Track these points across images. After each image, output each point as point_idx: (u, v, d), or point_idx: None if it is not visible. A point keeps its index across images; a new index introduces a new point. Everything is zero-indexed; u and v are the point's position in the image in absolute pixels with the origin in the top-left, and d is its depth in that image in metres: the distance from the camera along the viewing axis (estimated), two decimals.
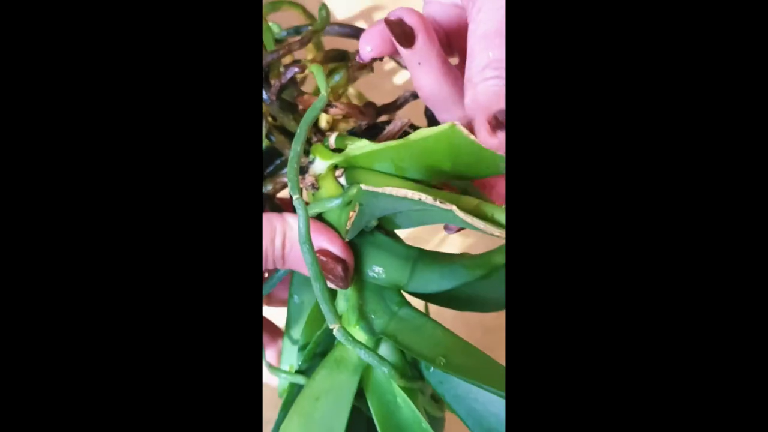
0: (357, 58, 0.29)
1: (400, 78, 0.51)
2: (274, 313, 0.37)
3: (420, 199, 0.23)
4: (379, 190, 0.23)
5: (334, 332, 0.25)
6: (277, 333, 0.35)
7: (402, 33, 0.26)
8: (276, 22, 0.36)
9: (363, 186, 0.24)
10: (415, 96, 0.34)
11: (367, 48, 0.28)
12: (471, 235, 0.51)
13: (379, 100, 0.35)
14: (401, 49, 0.26)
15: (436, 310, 0.31)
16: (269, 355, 0.34)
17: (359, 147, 0.28)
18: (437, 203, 0.23)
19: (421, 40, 0.26)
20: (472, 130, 0.25)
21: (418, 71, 0.27)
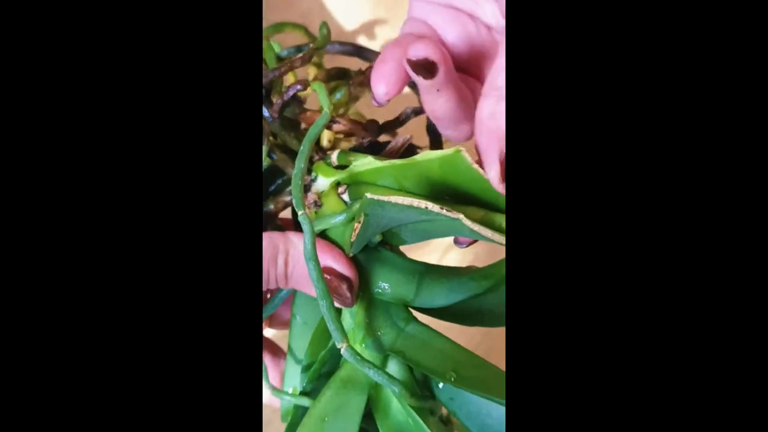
0: (372, 102, 0.27)
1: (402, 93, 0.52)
2: (276, 335, 0.37)
3: (426, 207, 0.23)
4: (385, 198, 0.23)
5: (342, 351, 0.25)
6: (279, 354, 0.34)
7: (423, 68, 0.24)
8: (277, 42, 0.36)
9: (368, 195, 0.23)
10: (416, 113, 0.34)
11: (381, 89, 0.26)
12: (474, 246, 0.51)
13: (380, 117, 0.35)
14: (418, 79, 0.25)
15: (431, 320, 0.30)
16: (272, 376, 0.33)
17: (364, 163, 0.28)
18: (444, 212, 0.23)
19: (442, 71, 0.24)
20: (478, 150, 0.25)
21: (433, 96, 0.26)
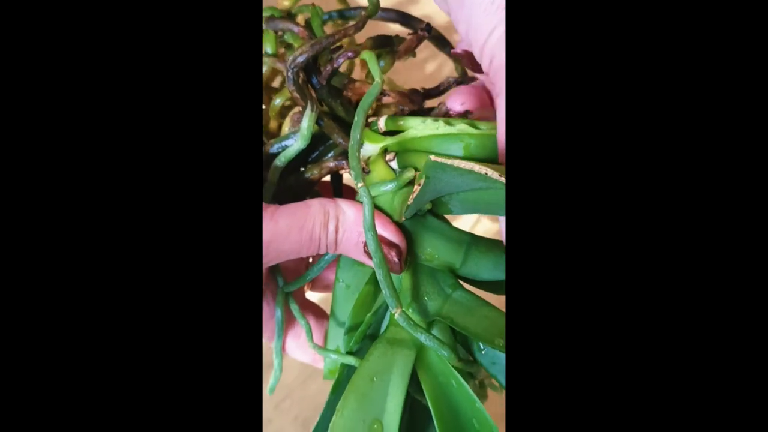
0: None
1: (431, 66, 0.52)
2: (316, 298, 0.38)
3: (486, 174, 0.23)
4: (448, 162, 0.23)
5: (396, 316, 0.26)
6: (322, 315, 0.36)
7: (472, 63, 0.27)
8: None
9: (432, 157, 0.24)
10: (458, 82, 0.35)
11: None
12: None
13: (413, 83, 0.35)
14: None
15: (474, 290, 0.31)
16: (316, 337, 0.34)
17: (428, 127, 0.28)
18: (502, 179, 0.23)
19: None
20: None
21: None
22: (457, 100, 0.31)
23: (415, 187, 0.26)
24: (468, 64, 0.29)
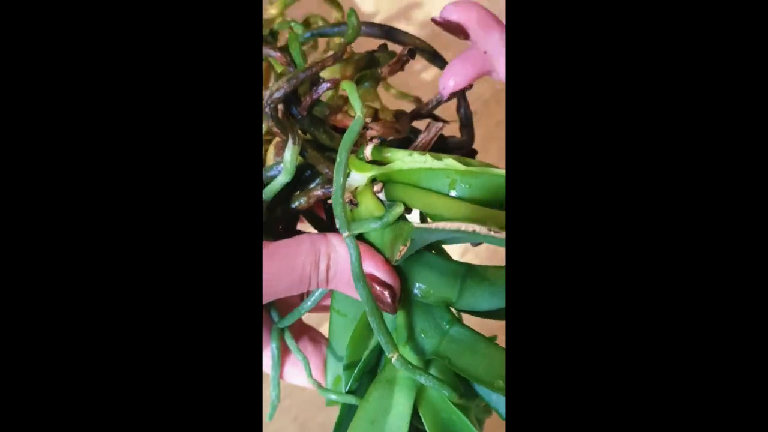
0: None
1: (429, 74, 0.50)
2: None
3: (474, 231, 0.23)
4: (432, 226, 0.23)
5: (393, 361, 0.25)
6: (320, 340, 0.35)
7: (455, 28, 0.28)
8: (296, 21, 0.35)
9: (416, 225, 0.23)
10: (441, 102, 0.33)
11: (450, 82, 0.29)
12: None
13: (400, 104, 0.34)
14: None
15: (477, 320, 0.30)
16: (314, 364, 0.34)
17: (414, 161, 0.27)
18: (492, 233, 0.23)
19: (473, 32, 0.28)
20: None
21: (492, 58, 0.28)
22: (446, 79, 0.29)
23: (402, 247, 0.26)
24: (452, 31, 0.28)
